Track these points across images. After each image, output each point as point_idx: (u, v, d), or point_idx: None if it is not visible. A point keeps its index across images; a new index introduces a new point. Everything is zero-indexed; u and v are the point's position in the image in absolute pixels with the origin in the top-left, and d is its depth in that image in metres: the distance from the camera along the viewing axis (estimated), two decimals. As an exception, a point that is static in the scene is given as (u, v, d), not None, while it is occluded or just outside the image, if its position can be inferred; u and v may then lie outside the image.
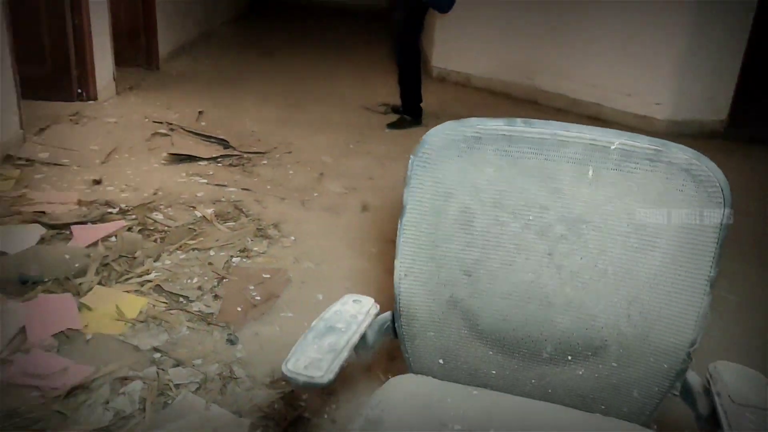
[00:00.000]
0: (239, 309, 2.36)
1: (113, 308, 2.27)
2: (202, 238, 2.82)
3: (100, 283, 2.42)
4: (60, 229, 2.78)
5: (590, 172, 1.09)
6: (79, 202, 3.05)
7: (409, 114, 4.75)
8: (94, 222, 2.86)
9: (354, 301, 1.19)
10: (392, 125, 4.69)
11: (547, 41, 5.54)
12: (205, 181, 3.45)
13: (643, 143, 1.08)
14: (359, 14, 9.81)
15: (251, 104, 4.92)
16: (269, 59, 6.60)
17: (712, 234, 1.05)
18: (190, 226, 2.92)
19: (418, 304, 1.20)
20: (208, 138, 4.04)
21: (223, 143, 3.97)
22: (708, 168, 1.05)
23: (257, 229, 2.96)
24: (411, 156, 1.15)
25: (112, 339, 2.15)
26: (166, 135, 4.08)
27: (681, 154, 1.07)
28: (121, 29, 5.31)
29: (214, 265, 2.61)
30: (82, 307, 2.27)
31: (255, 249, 2.78)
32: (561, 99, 5.52)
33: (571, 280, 1.12)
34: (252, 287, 2.50)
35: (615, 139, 1.09)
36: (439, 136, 1.14)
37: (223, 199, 3.23)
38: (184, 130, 4.17)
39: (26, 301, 2.26)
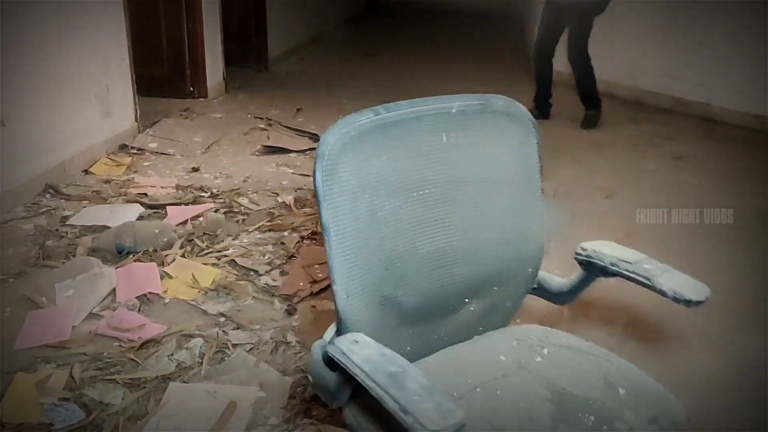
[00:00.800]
0: (301, 284, 2.54)
1: (191, 277, 2.53)
2: (279, 221, 3.04)
3: (183, 256, 2.69)
4: (157, 208, 3.11)
5: (444, 138, 1.21)
6: (177, 187, 3.38)
7: (593, 107, 4.85)
8: (186, 204, 3.17)
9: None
10: (584, 124, 4.81)
11: (650, 41, 5.36)
12: (292, 171, 3.70)
13: (472, 101, 1.26)
14: (470, 15, 9.87)
15: (347, 101, 5.15)
16: (373, 59, 6.83)
17: (535, 155, 1.29)
18: (271, 210, 3.15)
19: (363, 320, 1.14)
20: (301, 132, 4.30)
21: (314, 137, 4.21)
22: (520, 108, 1.30)
23: (331, 214, 3.13)
24: (315, 174, 1.10)
25: (185, 303, 2.40)
26: (264, 129, 4.38)
27: (500, 102, 1.28)
28: (233, 32, 5.74)
29: (286, 245, 2.82)
30: (164, 275, 2.54)
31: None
32: (666, 99, 5.32)
33: (462, 235, 1.23)
34: (316, 266, 2.67)
35: (454, 103, 1.23)
36: (330, 143, 1.10)
37: (304, 187, 3.45)
38: (280, 125, 4.46)
39: (119, 268, 2.57)
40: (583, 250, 1.32)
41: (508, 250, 1.30)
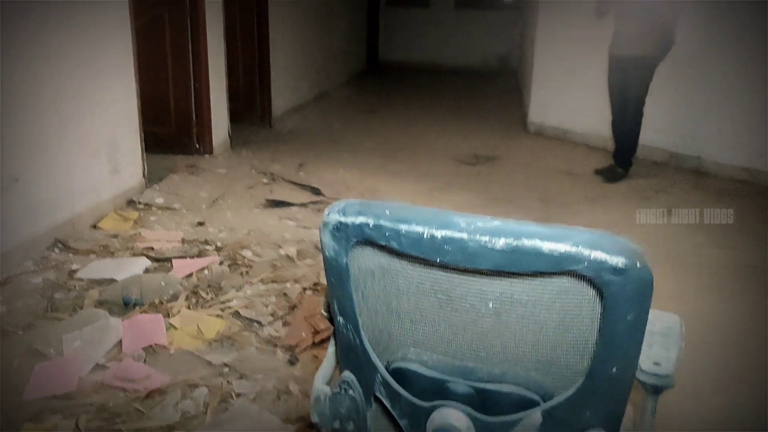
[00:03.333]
0: (303, 334, 2.60)
1: (195, 328, 2.60)
2: (282, 273, 3.12)
3: (188, 308, 2.76)
4: (163, 261, 3.20)
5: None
6: (183, 240, 3.48)
7: (623, 166, 4.94)
8: (192, 257, 3.26)
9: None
10: (606, 177, 4.90)
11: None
12: (294, 223, 3.79)
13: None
14: (467, 73, 10.16)
15: (348, 155, 5.30)
16: (373, 116, 7.03)
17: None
18: (274, 262, 3.23)
19: None
20: (303, 186, 4.42)
21: (315, 190, 4.32)
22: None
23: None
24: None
25: (190, 354, 2.46)
26: (267, 184, 4.51)
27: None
28: (239, 91, 5.95)
29: (288, 296, 2.89)
30: (169, 326, 2.61)
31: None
32: (659, 152, 5.46)
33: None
34: (318, 316, 2.74)
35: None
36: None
37: (306, 240, 3.54)
38: (283, 179, 4.59)
39: (125, 319, 2.64)
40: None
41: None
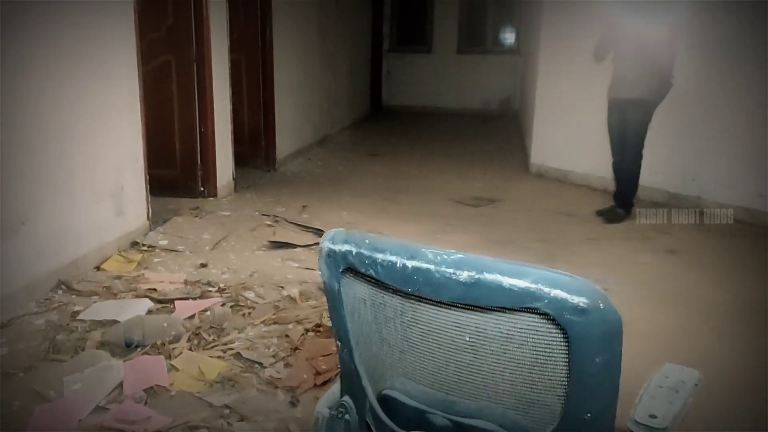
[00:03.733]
0: (305, 376, 2.59)
1: (197, 370, 2.59)
2: (284, 314, 3.13)
3: (190, 349, 2.76)
4: (165, 303, 3.21)
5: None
6: (185, 282, 3.49)
7: (623, 207, 4.96)
8: (194, 298, 3.27)
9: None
10: (607, 218, 4.92)
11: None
12: (297, 265, 3.81)
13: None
14: (469, 117, 10.30)
15: (351, 198, 5.34)
16: (376, 159, 7.11)
17: None
18: (276, 303, 3.24)
19: None
20: (306, 228, 4.45)
21: (319, 232, 4.35)
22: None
23: (334, 307, 3.22)
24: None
25: (191, 396, 2.45)
26: (270, 226, 4.54)
27: None
28: (244, 135, 6.04)
29: (290, 337, 2.89)
30: (171, 368, 2.61)
31: (329, 324, 3.04)
32: (659, 193, 5.49)
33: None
34: (320, 358, 2.74)
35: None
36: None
37: (309, 281, 3.55)
38: (286, 221, 4.62)
39: (127, 361, 2.64)
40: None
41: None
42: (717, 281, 3.76)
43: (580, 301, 0.88)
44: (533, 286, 0.90)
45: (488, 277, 0.92)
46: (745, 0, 4.86)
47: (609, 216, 4.95)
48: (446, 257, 0.95)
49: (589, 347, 0.92)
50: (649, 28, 4.53)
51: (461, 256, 0.95)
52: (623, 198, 4.98)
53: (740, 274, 3.88)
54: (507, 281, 0.91)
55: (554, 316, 0.90)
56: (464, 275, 0.93)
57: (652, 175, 5.47)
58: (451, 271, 0.94)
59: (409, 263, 0.98)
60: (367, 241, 1.04)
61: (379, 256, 1.01)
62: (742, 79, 4.94)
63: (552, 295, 0.89)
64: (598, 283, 2.93)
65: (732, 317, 3.32)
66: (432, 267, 0.95)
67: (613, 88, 4.80)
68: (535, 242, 4.40)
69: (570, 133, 6.20)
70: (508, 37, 11.19)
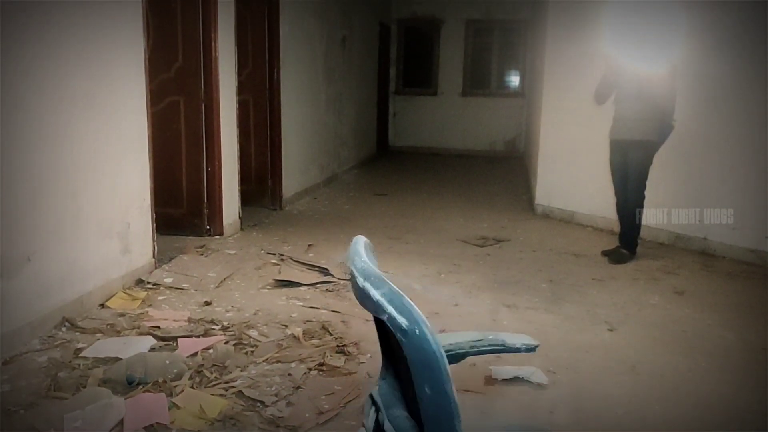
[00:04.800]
0: (307, 415, 2.56)
1: (198, 408, 2.57)
2: (287, 353, 3.10)
3: (191, 387, 2.74)
4: (168, 341, 3.19)
5: None
6: (189, 320, 3.48)
7: (627, 248, 4.94)
8: (198, 336, 3.25)
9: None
10: (612, 259, 4.90)
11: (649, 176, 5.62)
12: (302, 303, 3.80)
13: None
14: (476, 158, 10.38)
15: (356, 238, 5.34)
16: (382, 199, 7.14)
17: None
18: (279, 342, 3.22)
19: None
20: (311, 267, 4.45)
21: (324, 271, 4.35)
22: None
23: (338, 346, 3.20)
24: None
25: (192, 434, 2.42)
26: (276, 264, 4.54)
27: None
28: (251, 174, 6.10)
29: (293, 376, 2.87)
30: (172, 405, 2.58)
31: (332, 363, 3.02)
32: (664, 234, 5.48)
33: None
34: (323, 397, 2.71)
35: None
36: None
37: (313, 320, 3.53)
38: (292, 260, 4.63)
39: (128, 398, 2.61)
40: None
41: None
42: (725, 323, 3.72)
43: (403, 321, 0.96)
44: (380, 299, 1.01)
45: (361, 283, 1.08)
46: (749, 40, 4.92)
47: (615, 257, 4.93)
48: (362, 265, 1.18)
49: (418, 374, 0.97)
50: (650, 70, 4.59)
51: (362, 264, 1.16)
52: (627, 239, 4.97)
53: (747, 316, 3.84)
54: (369, 290, 1.04)
55: (394, 331, 0.99)
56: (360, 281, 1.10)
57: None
58: (361, 281, 1.09)
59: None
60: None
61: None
62: (746, 120, 4.97)
63: (388, 310, 0.99)
64: (604, 324, 2.93)
65: (739, 359, 3.27)
66: (360, 280, 1.11)
67: (615, 129, 4.84)
68: (542, 282, 4.38)
69: (574, 174, 6.23)
70: (513, 79, 11.35)
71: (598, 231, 5.84)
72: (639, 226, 4.94)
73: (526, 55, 10.73)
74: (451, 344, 1.43)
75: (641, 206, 4.88)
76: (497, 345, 1.45)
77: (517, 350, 1.46)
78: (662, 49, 4.57)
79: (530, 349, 1.47)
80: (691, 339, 3.49)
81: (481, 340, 1.43)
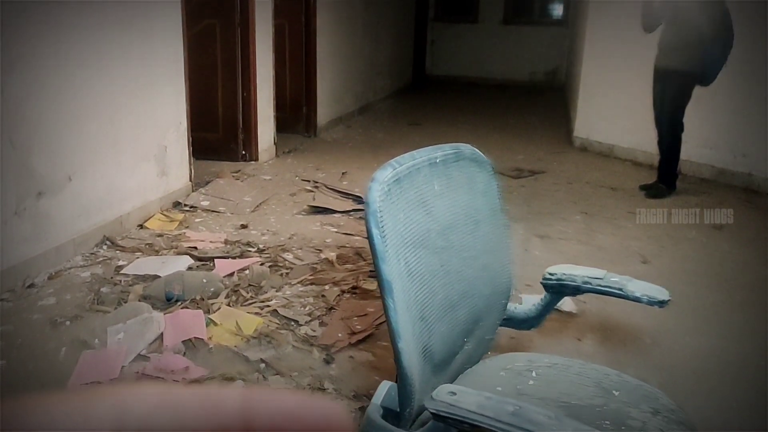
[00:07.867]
0: (340, 335, 2.63)
1: (234, 325, 2.65)
2: (321, 276, 3.16)
3: (228, 305, 2.82)
4: (205, 261, 3.27)
5: (435, 186, 1.26)
6: (226, 242, 3.55)
7: (665, 183, 4.86)
8: (234, 257, 3.33)
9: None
10: (650, 193, 4.82)
11: (689, 111, 5.43)
12: (336, 230, 3.84)
13: (448, 150, 1.33)
14: (514, 88, 10.14)
15: (390, 167, 5.33)
16: (417, 129, 7.07)
17: (497, 196, 1.41)
18: (314, 265, 3.28)
19: (415, 374, 1.15)
20: (345, 194, 4.47)
21: (358, 199, 4.36)
22: (482, 156, 1.40)
23: (371, 271, 3.24)
24: (373, 230, 1.11)
25: (228, 350, 2.51)
26: (310, 191, 4.57)
27: (467, 150, 1.37)
28: (286, 101, 6.06)
29: (326, 298, 2.93)
30: (209, 322, 2.67)
31: (365, 287, 3.07)
32: (707, 169, 5.34)
33: (457, 277, 1.28)
34: (355, 318, 2.76)
35: (437, 154, 1.30)
36: (377, 200, 1.13)
37: (347, 245, 3.58)
38: (326, 187, 4.65)
39: (167, 314, 2.71)
40: (552, 274, 1.42)
41: (489, 286, 1.36)
42: (763, 259, 3.66)
43: None
44: None
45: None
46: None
47: (652, 191, 4.83)
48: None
49: None
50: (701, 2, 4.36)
51: None
52: (665, 172, 4.84)
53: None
54: None
55: None
56: None
57: (700, 150, 5.32)
58: None
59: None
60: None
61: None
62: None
63: None
64: (638, 256, 2.90)
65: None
66: None
67: (658, 56, 4.65)
68: (576, 214, 4.34)
69: (615, 106, 6.05)
70: (556, 8, 10.94)
71: (638, 165, 5.71)
72: (677, 159, 4.80)
73: (571, -19, 10.29)
74: (565, 274, 1.40)
75: (677, 138, 4.72)
76: (615, 288, 1.33)
77: (637, 300, 1.29)
78: None
79: (654, 303, 1.29)
80: (727, 273, 3.45)
81: (600, 278, 1.35)
